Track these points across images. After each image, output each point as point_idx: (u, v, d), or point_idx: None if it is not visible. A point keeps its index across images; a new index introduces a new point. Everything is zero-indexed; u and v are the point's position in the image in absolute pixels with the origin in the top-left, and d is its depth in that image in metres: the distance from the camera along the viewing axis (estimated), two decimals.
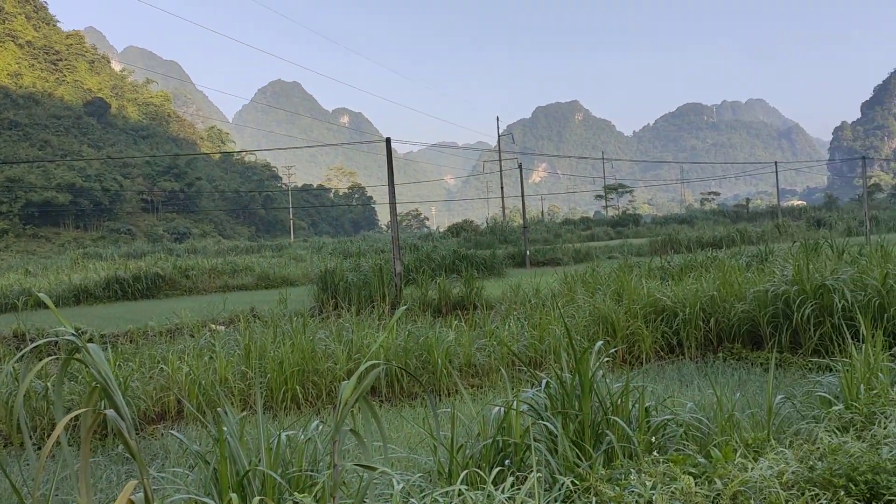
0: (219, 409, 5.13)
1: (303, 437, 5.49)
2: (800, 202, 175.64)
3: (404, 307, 5.40)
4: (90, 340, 13.00)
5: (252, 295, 31.69)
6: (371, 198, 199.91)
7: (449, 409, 6.30)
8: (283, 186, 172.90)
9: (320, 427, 5.91)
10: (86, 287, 33.42)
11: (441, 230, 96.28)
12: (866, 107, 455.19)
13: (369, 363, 3.99)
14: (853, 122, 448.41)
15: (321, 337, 13.18)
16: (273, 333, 13.12)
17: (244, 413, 6.09)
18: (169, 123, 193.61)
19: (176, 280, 36.59)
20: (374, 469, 3.99)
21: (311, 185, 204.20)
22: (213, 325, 18.05)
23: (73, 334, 3.56)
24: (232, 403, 10.97)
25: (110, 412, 3.41)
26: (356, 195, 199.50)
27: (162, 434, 9.91)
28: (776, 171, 71.24)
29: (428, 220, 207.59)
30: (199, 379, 11.07)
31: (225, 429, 4.83)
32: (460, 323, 14.53)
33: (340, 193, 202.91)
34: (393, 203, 25.44)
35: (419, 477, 5.49)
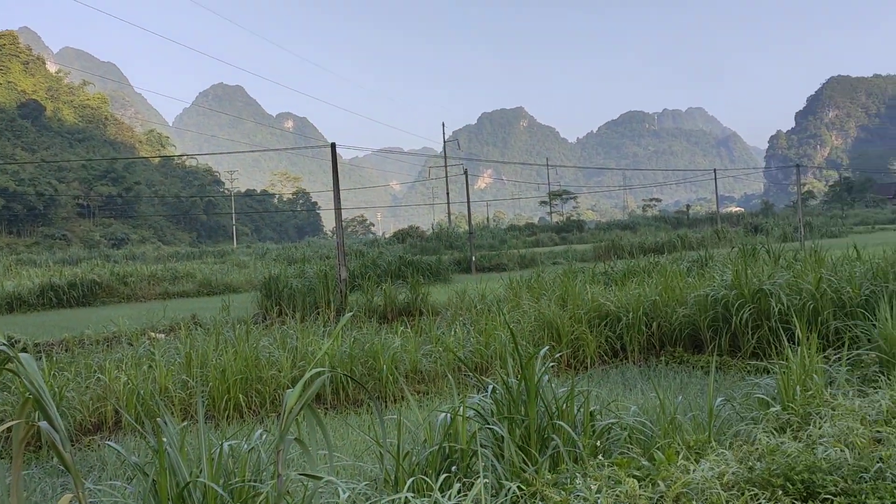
0: (158, 419, 4.99)
1: (246, 446, 5.38)
2: (738, 208, 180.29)
3: (349, 314, 5.34)
4: (23, 350, 12.58)
5: (193, 302, 31.12)
6: (316, 203, 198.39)
7: (395, 416, 6.25)
8: (226, 192, 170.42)
9: (264, 436, 5.81)
10: (19, 294, 32.41)
11: (387, 236, 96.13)
12: (800, 116, 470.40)
13: (314, 371, 3.93)
14: (788, 131, 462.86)
15: (265, 344, 12.98)
16: (215, 341, 12.87)
17: (185, 423, 5.95)
18: (106, 126, 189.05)
19: (113, 287, 35.71)
20: (318, 478, 3.93)
21: (254, 190, 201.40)
22: (153, 334, 17.65)
23: (4, 344, 3.42)
24: (172, 413, 10.71)
25: (43, 424, 3.29)
26: (301, 201, 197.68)
27: (99, 445, 9.63)
28: (715, 178, 72.94)
29: (374, 225, 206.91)
30: (137, 388, 10.79)
31: (164, 439, 4.70)
32: (406, 329, 14.48)
33: (285, 199, 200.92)
34: (338, 209, 25.26)
35: (365, 485, 5.43)
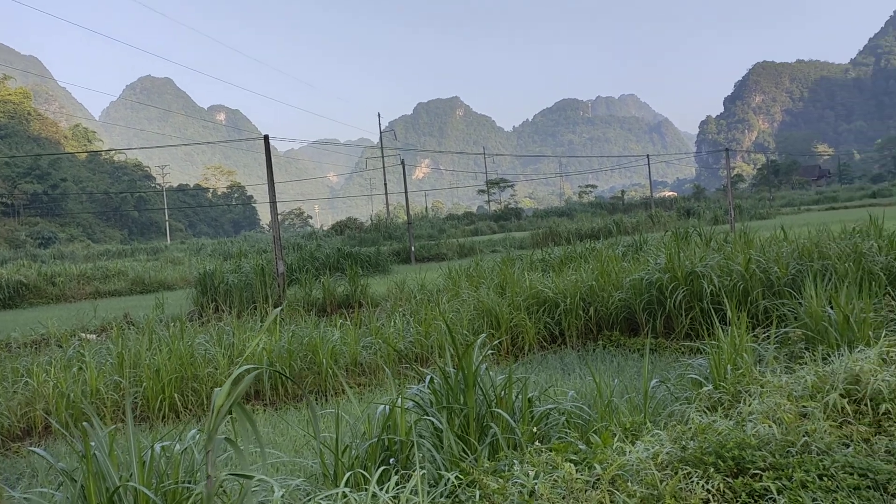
0: (85, 423, 4.83)
1: (179, 447, 5.25)
2: (671, 193, 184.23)
3: (280, 308, 5.25)
4: None
5: (126, 301, 30.34)
6: (251, 197, 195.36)
7: (335, 410, 6.19)
8: (157, 187, 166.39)
9: (198, 436, 5.68)
10: None
11: (325, 228, 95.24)
12: (728, 101, 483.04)
13: (243, 367, 3.85)
14: (717, 117, 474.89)
15: (201, 342, 12.71)
16: (149, 340, 12.55)
17: (116, 425, 5.78)
18: (29, 122, 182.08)
19: (41, 288, 34.56)
20: (250, 477, 3.86)
21: (187, 184, 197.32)
22: (83, 334, 17.14)
23: None
24: (104, 416, 10.43)
25: None
26: (236, 194, 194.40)
27: (28, 452, 9.30)
28: (648, 164, 74.36)
29: (311, 218, 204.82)
30: (67, 392, 10.46)
31: (93, 443, 4.55)
32: (346, 322, 14.37)
33: (219, 193, 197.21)
34: (274, 202, 24.90)
35: (303, 481, 5.37)
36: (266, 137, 25.54)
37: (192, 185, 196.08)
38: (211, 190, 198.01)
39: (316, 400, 11.10)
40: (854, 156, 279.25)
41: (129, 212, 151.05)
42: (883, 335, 8.08)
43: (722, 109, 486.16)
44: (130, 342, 12.61)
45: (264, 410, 10.76)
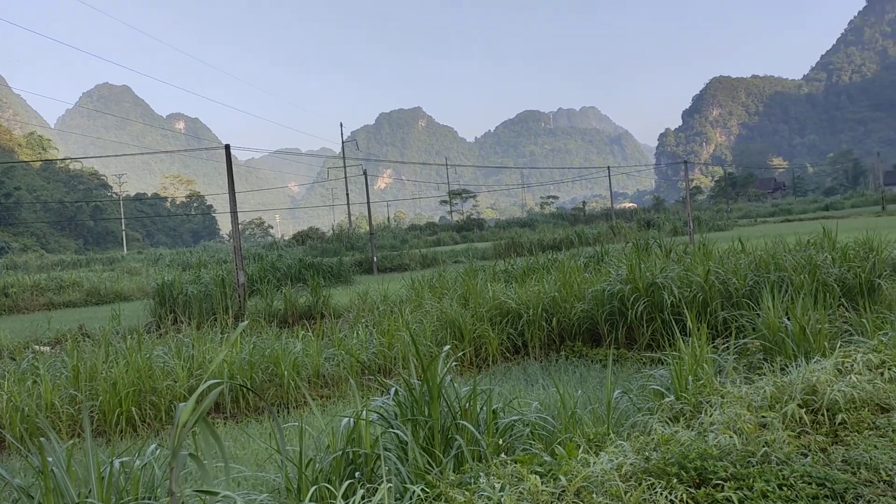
0: (42, 438, 4.72)
1: (138, 462, 5.16)
2: (631, 204, 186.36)
3: (246, 322, 5.19)
4: None
5: (81, 312, 29.72)
6: (211, 206, 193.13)
7: (298, 423, 6.12)
8: (114, 196, 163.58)
9: (158, 451, 5.58)
10: None
11: (286, 238, 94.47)
12: (686, 115, 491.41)
13: (209, 382, 3.80)
14: (676, 129, 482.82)
15: (159, 354, 12.50)
16: (105, 352, 12.30)
17: (73, 440, 5.65)
18: None
19: None
20: (214, 493, 3.80)
21: (145, 194, 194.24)
22: (37, 347, 16.74)
23: None
24: (60, 430, 10.19)
25: None
26: (195, 204, 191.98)
27: None
28: (609, 175, 75.19)
29: (272, 228, 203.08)
30: (21, 405, 10.21)
31: (50, 459, 4.45)
32: (308, 333, 14.25)
33: (178, 202, 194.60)
34: (234, 211, 24.65)
35: (267, 496, 5.30)
36: (227, 147, 25.31)
37: (150, 195, 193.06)
38: (169, 199, 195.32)
39: (278, 412, 10.98)
40: (808, 169, 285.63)
41: (85, 221, 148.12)
42: (838, 346, 8.27)
43: (680, 122, 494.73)
44: (86, 355, 12.35)
45: (225, 423, 10.62)
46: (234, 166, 25.25)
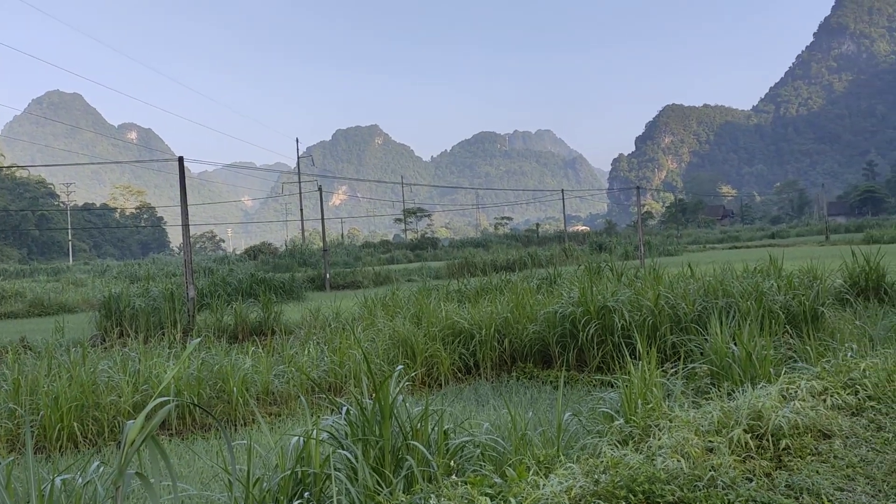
0: None
1: (81, 480, 5.02)
2: (584, 227, 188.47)
3: (200, 338, 5.11)
4: None
5: (23, 324, 28.85)
6: (161, 218, 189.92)
7: (246, 441, 6.02)
8: (61, 205, 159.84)
9: (101, 468, 5.44)
10: None
11: (238, 253, 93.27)
12: (639, 141, 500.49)
13: (158, 400, 3.72)
14: (629, 155, 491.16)
15: (104, 368, 12.19)
16: (47, 366, 11.97)
17: (12, 456, 5.48)
18: None
19: None
20: None
21: (93, 204, 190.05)
22: None
23: None
24: None
25: None
26: (145, 215, 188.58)
27: None
28: (563, 198, 76.01)
29: (224, 242, 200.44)
30: None
31: None
32: (258, 349, 14.07)
33: (127, 213, 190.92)
34: (186, 224, 24.28)
35: None
36: (181, 159, 24.97)
37: (98, 205, 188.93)
38: (119, 210, 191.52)
39: (226, 430, 10.78)
40: (755, 198, 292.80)
41: (30, 230, 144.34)
42: (783, 372, 8.46)
43: (633, 148, 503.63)
44: (27, 367, 12.00)
45: (170, 440, 10.39)
46: (186, 178, 24.91)
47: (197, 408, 11.28)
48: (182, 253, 24.70)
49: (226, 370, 12.00)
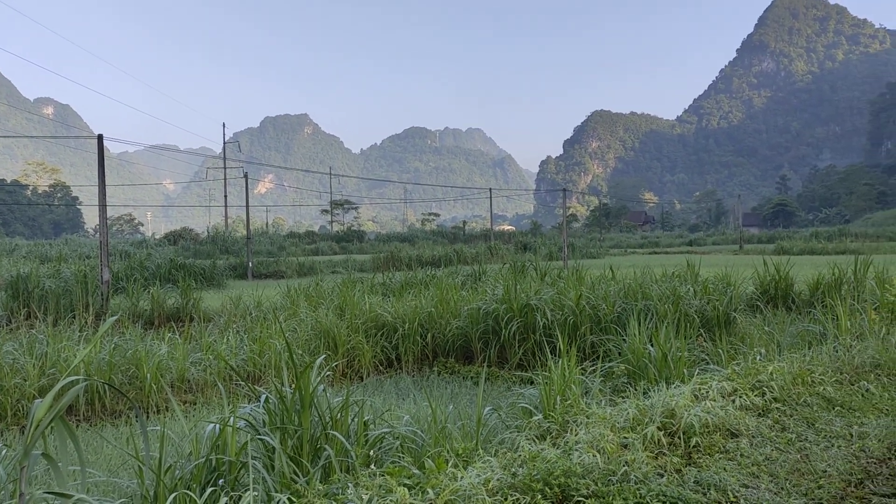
0: None
1: None
2: (510, 227, 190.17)
3: (113, 318, 4.94)
4: None
5: None
6: (77, 198, 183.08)
7: (159, 428, 5.86)
8: None
9: (3, 451, 5.20)
10: None
11: (157, 237, 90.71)
12: (567, 144, 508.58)
13: (68, 379, 3.58)
14: (556, 158, 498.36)
15: (8, 350, 11.68)
16: None
17: None
18: None
19: None
20: (68, 496, 3.57)
21: (4, 180, 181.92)
22: None
23: None
24: None
25: None
26: (59, 194, 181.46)
27: None
28: (490, 197, 76.56)
29: (143, 225, 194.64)
30: None
31: None
32: (175, 336, 13.72)
33: (40, 191, 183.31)
34: (103, 205, 23.47)
35: (122, 502, 5.04)
36: (100, 137, 24.11)
37: (9, 181, 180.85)
38: (31, 187, 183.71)
39: (138, 417, 10.48)
40: (675, 205, 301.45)
41: None
42: (696, 373, 8.74)
43: (561, 151, 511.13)
44: None
45: (78, 426, 10.03)
46: (105, 158, 24.08)
47: (107, 394, 10.93)
48: (98, 235, 23.87)
49: (140, 355, 11.66)
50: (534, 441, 6.33)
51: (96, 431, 9.64)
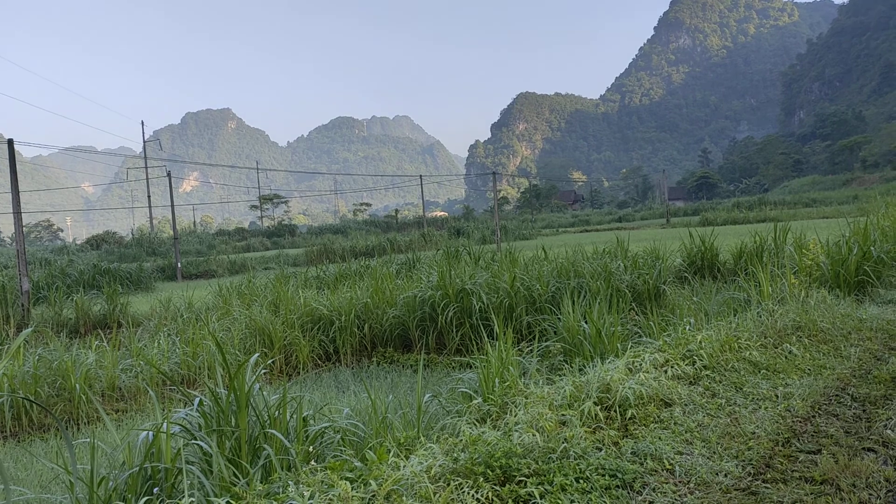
0: None
1: None
2: (442, 213, 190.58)
3: (29, 330, 4.74)
4: None
5: None
6: None
7: (90, 439, 5.67)
8: None
9: None
10: None
11: (79, 242, 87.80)
12: (495, 128, 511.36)
13: None
14: (485, 142, 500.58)
15: None
16: None
17: None
18: None
19: None
20: None
21: None
22: None
23: None
24: None
25: None
26: None
27: None
28: (421, 184, 76.51)
29: (62, 231, 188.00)
30: None
31: None
32: (102, 343, 13.31)
33: None
34: (18, 212, 22.56)
35: None
36: (10, 141, 23.14)
37: None
38: None
39: (67, 429, 10.14)
40: (603, 183, 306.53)
41: None
42: (629, 347, 8.91)
43: (490, 135, 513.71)
44: None
45: (4, 443, 9.65)
46: (18, 163, 23.14)
47: (34, 408, 10.55)
48: (14, 243, 22.97)
49: (66, 366, 11.28)
50: (474, 425, 6.36)
51: (24, 447, 9.29)
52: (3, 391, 10.29)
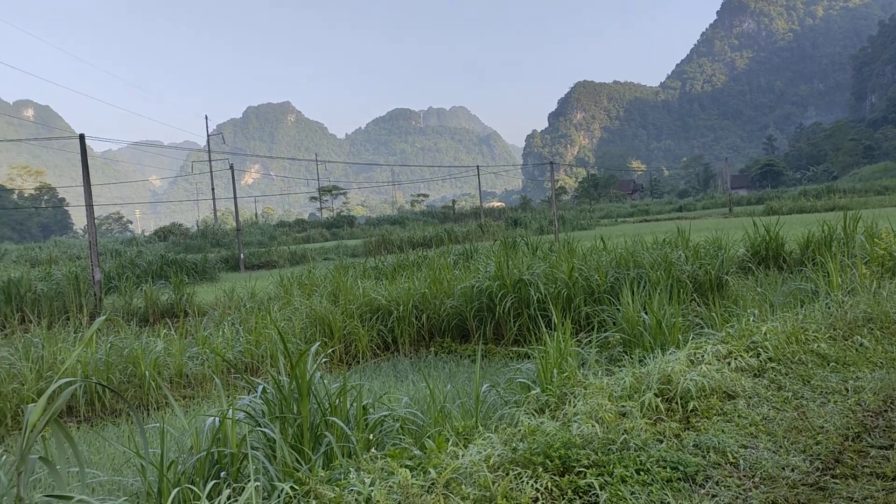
0: None
1: None
2: (499, 203, 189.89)
3: (103, 317, 4.92)
4: None
5: None
6: (63, 200, 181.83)
7: (159, 424, 5.86)
8: None
9: (3, 457, 5.21)
10: None
11: (147, 234, 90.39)
12: (552, 117, 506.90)
13: (61, 381, 3.57)
14: (542, 131, 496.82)
15: (4, 355, 11.66)
16: None
17: None
18: None
19: None
20: (69, 498, 3.57)
21: None
22: None
23: None
24: None
25: None
26: (45, 197, 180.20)
27: None
28: (478, 175, 76.40)
29: (131, 223, 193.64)
30: None
31: None
32: (170, 332, 13.70)
33: (26, 195, 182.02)
34: (90, 205, 23.34)
35: (125, 500, 5.05)
36: (82, 137, 23.92)
37: None
38: (16, 191, 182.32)
39: (138, 415, 10.48)
40: (663, 172, 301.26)
41: None
42: (690, 338, 8.78)
43: (547, 124, 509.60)
44: None
45: (78, 427, 10.04)
46: (89, 157, 23.92)
47: (106, 393, 10.93)
48: (87, 235, 23.76)
49: (136, 353, 11.65)
50: (533, 415, 6.36)
51: (97, 431, 9.65)
52: (78, 377, 10.67)
